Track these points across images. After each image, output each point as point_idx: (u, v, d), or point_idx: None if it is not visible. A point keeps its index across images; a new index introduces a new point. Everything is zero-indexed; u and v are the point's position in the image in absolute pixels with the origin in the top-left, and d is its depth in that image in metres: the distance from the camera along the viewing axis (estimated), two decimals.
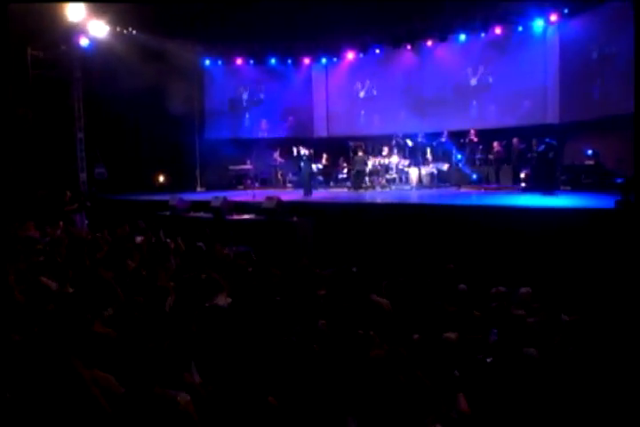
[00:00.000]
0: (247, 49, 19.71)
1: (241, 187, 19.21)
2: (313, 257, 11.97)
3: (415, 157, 17.42)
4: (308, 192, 15.31)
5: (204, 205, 14.79)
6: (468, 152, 16.58)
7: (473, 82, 17.46)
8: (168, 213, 14.66)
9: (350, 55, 19.66)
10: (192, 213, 14.60)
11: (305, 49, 19.78)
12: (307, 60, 20.34)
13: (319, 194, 16.02)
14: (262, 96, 20.59)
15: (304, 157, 15.34)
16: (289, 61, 20.34)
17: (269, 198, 13.00)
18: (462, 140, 16.54)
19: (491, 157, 15.43)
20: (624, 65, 13.67)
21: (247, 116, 20.64)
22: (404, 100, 18.51)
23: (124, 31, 17.43)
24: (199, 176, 20.21)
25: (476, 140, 16.41)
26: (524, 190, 13.66)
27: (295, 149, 15.15)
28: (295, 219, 12.60)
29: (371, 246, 11.48)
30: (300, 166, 18.69)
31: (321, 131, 20.75)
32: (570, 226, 9.28)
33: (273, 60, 20.20)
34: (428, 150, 17.06)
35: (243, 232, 12.94)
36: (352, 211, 12.84)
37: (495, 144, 15.40)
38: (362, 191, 16.66)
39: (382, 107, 19.21)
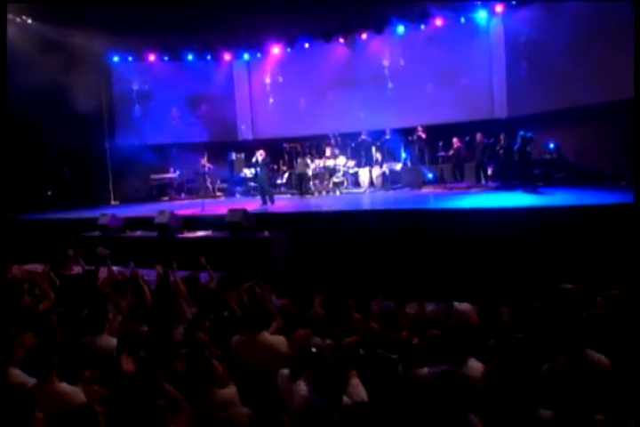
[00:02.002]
0: (160, 44, 17.53)
1: (165, 198, 17.12)
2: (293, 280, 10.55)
3: (359, 156, 16.34)
4: (266, 201, 13.61)
5: (141, 222, 12.73)
6: (416, 150, 15.74)
7: (414, 77, 16.59)
8: (97, 233, 12.41)
9: (276, 50, 18.15)
10: (129, 233, 12.49)
11: (225, 43, 17.99)
12: (227, 56, 18.56)
13: (252, 202, 14.19)
14: (179, 96, 18.40)
15: (259, 162, 13.56)
16: (208, 57, 18.43)
17: (233, 211, 11.23)
18: (410, 138, 15.63)
19: (451, 153, 14.61)
20: (579, 58, 13.47)
21: (164, 118, 18.36)
22: (340, 96, 17.36)
23: (17, 20, 14.73)
24: (112, 188, 17.74)
25: (424, 136, 15.59)
26: (499, 188, 12.93)
27: (257, 153, 13.38)
28: (267, 233, 10.95)
29: (363, 264, 10.16)
30: (228, 170, 17.08)
31: (246, 133, 19.01)
32: (592, 224, 8.44)
33: (190, 56, 18.19)
34: (374, 149, 15.99)
35: (200, 253, 11.09)
36: (332, 221, 11.35)
37: (455, 140, 14.62)
38: (308, 197, 15.26)
39: (316, 105, 17.89)
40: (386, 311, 5.09)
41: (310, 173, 15.67)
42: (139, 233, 12.32)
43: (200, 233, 11.66)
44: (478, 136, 14.10)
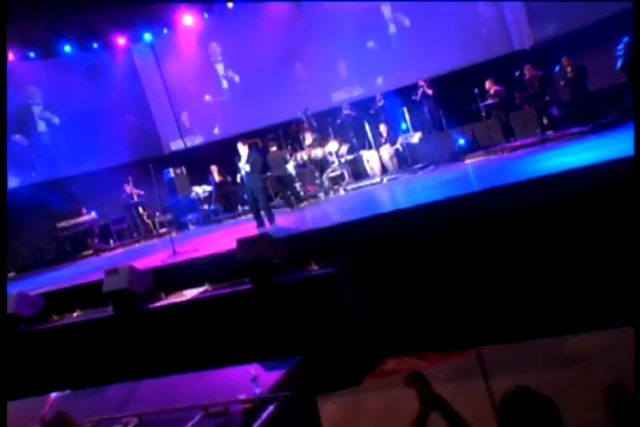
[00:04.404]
0: (19, 35, 12.02)
1: (88, 252, 11.70)
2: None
3: (347, 138, 11.87)
4: (262, 222, 8.70)
5: (77, 297, 7.62)
6: (427, 112, 11.54)
7: (396, 19, 12.30)
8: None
9: (188, 19, 13.37)
10: (59, 320, 7.38)
11: (114, 23, 12.84)
12: (122, 40, 13.43)
13: (228, 230, 9.46)
14: (68, 106, 12.92)
15: (244, 162, 8.52)
16: (94, 45, 13.21)
17: (247, 241, 6.36)
18: (414, 97, 11.37)
19: (490, 102, 10.25)
20: None
21: (55, 141, 12.85)
22: (298, 65, 12.85)
23: None
24: None
25: (431, 93, 11.37)
26: (595, 132, 8.71)
27: (238, 146, 8.38)
28: (316, 267, 6.14)
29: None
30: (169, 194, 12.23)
31: (173, 140, 13.97)
32: None
33: (68, 48, 12.86)
34: (366, 124, 11.51)
35: (204, 329, 6.26)
36: (394, 230, 6.53)
37: (488, 83, 10.39)
38: (303, 205, 10.48)
39: (268, 82, 13.21)
40: None
41: (290, 171, 10.87)
42: (77, 316, 7.30)
43: (191, 292, 6.80)
44: (527, 69, 9.98)
